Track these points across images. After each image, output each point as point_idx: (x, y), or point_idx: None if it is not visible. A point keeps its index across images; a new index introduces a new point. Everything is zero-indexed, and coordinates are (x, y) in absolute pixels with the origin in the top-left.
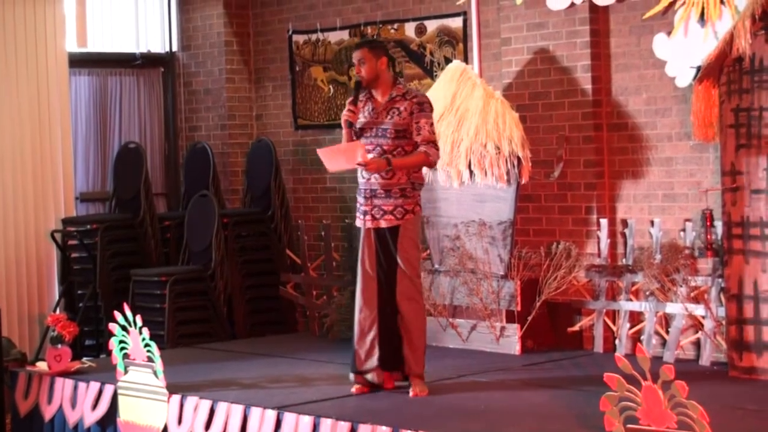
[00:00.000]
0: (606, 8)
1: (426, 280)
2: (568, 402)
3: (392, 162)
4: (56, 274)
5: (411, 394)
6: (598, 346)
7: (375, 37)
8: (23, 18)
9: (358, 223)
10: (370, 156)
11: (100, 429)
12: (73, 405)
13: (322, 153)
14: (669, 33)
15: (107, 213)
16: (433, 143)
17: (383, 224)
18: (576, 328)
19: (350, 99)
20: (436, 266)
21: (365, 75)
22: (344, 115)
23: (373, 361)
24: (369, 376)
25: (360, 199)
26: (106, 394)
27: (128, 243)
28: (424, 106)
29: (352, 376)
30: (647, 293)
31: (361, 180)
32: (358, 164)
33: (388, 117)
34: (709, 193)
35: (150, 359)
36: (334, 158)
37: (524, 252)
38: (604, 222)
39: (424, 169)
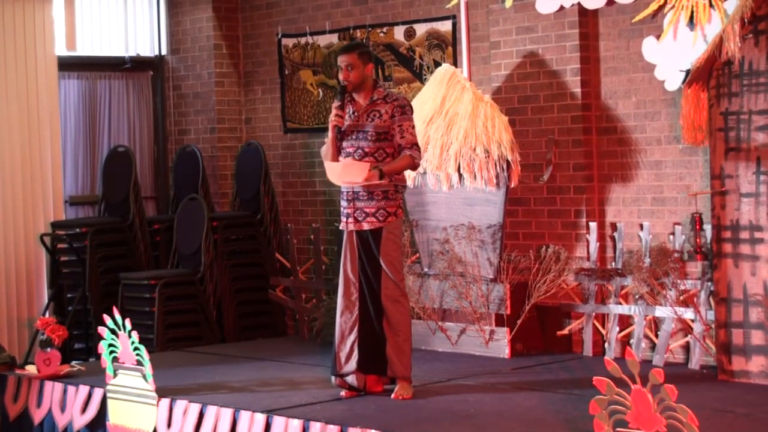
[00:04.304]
0: (595, 12)
1: (415, 283)
2: (557, 405)
3: (384, 170)
4: (45, 277)
5: (393, 395)
6: (588, 350)
7: (364, 40)
8: (12, 21)
9: (341, 226)
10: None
11: None
12: (63, 409)
13: (336, 166)
14: (658, 36)
15: (96, 216)
16: (416, 146)
17: (366, 227)
18: (565, 331)
19: (337, 104)
20: (426, 270)
21: (353, 80)
22: (333, 120)
23: (353, 364)
24: (349, 379)
25: (342, 202)
26: (95, 397)
27: (117, 246)
28: (406, 109)
29: (333, 379)
30: (636, 297)
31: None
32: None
33: (369, 120)
34: (699, 196)
35: (139, 363)
36: (347, 172)
37: (513, 255)
38: (593, 225)
39: (412, 173)
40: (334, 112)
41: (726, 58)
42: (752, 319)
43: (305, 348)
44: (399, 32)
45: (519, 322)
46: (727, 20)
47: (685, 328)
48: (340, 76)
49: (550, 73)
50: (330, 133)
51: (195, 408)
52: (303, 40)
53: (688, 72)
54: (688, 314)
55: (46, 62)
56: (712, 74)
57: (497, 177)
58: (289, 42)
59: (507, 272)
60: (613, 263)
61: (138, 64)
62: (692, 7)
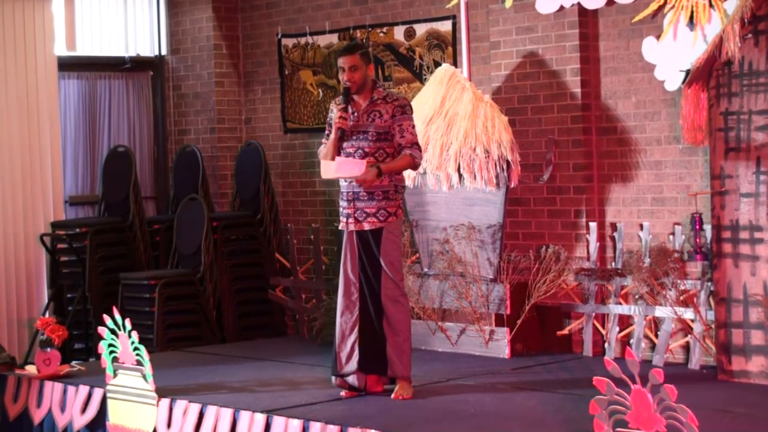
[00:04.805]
0: (595, 12)
1: (415, 283)
2: (557, 405)
3: (382, 169)
4: (45, 277)
5: (393, 395)
6: (588, 350)
7: (364, 40)
8: (12, 22)
9: (341, 226)
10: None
11: None
12: (63, 409)
13: (331, 164)
14: (658, 37)
15: (96, 216)
16: (416, 145)
17: (366, 227)
18: (565, 331)
19: (341, 106)
20: (426, 270)
21: (357, 81)
22: (337, 122)
23: (353, 365)
24: (350, 379)
25: (342, 203)
26: (95, 397)
27: (117, 246)
28: (406, 109)
29: (333, 379)
30: (636, 297)
31: (343, 183)
32: (355, 177)
33: (370, 120)
34: (699, 196)
35: (139, 363)
36: (342, 168)
37: (513, 255)
38: (593, 225)
39: (412, 173)
40: (338, 114)
41: (726, 58)
42: (752, 319)
43: (305, 348)
44: (399, 32)
45: (519, 322)
46: (727, 20)
47: (685, 328)
48: (343, 78)
49: (549, 73)
50: (333, 135)
51: (195, 408)
52: (303, 40)
53: (688, 72)
54: (688, 314)
55: (46, 62)
56: (712, 74)
57: (497, 177)
58: (288, 42)
59: (507, 272)
60: (613, 263)
61: (138, 64)
62: (692, 7)
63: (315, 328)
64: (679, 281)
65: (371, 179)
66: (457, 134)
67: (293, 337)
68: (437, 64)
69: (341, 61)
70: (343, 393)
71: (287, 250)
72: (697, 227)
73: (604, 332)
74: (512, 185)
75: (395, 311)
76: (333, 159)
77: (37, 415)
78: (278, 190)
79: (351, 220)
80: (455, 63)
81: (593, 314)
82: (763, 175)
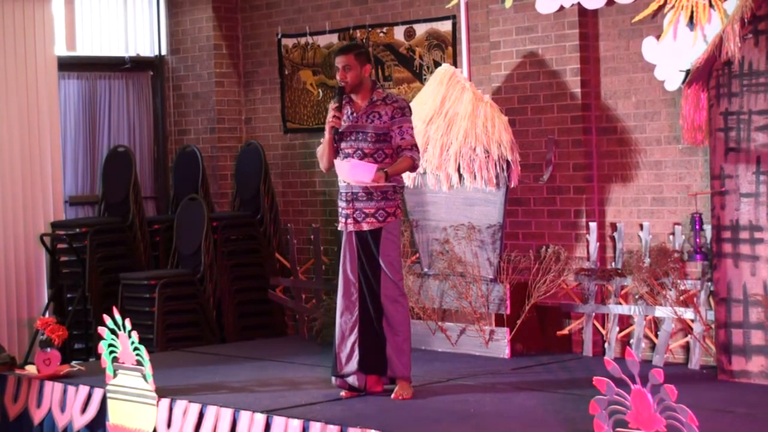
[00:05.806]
0: (595, 12)
1: (415, 283)
2: (557, 405)
3: (388, 172)
4: (45, 277)
5: (393, 395)
6: (588, 350)
7: (364, 41)
8: (12, 21)
9: (340, 226)
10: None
11: None
12: (63, 409)
13: (344, 165)
14: (658, 37)
15: (96, 216)
16: (415, 147)
17: (365, 227)
18: (565, 331)
19: (335, 105)
20: (426, 270)
21: (350, 81)
22: (330, 121)
23: (353, 365)
24: (350, 380)
25: (341, 203)
26: (95, 397)
27: (117, 246)
28: (405, 111)
29: (333, 379)
30: (636, 297)
31: (342, 183)
32: (367, 184)
33: (369, 121)
34: (699, 196)
35: (139, 363)
36: (355, 171)
37: (513, 255)
38: (593, 225)
39: (412, 173)
40: (331, 113)
41: (726, 58)
42: (752, 319)
43: (305, 348)
44: (399, 32)
45: (519, 322)
46: (727, 20)
47: (685, 328)
48: (337, 77)
49: (549, 73)
50: (327, 135)
51: (195, 408)
52: (303, 40)
53: (688, 72)
54: (688, 314)
55: (46, 62)
56: (712, 74)
57: (497, 177)
58: (288, 42)
59: (507, 272)
60: (613, 263)
61: (138, 64)
62: (692, 7)
63: (315, 328)
64: (679, 281)
65: (382, 183)
66: (457, 134)
67: (293, 337)
68: (437, 64)
69: (336, 61)
70: (343, 393)
71: (287, 250)
72: (697, 227)
73: (604, 332)
74: (512, 185)
75: (395, 311)
76: (329, 159)
77: (37, 415)
78: (278, 190)
79: (350, 220)
80: (455, 63)
81: (593, 314)
82: (763, 175)
